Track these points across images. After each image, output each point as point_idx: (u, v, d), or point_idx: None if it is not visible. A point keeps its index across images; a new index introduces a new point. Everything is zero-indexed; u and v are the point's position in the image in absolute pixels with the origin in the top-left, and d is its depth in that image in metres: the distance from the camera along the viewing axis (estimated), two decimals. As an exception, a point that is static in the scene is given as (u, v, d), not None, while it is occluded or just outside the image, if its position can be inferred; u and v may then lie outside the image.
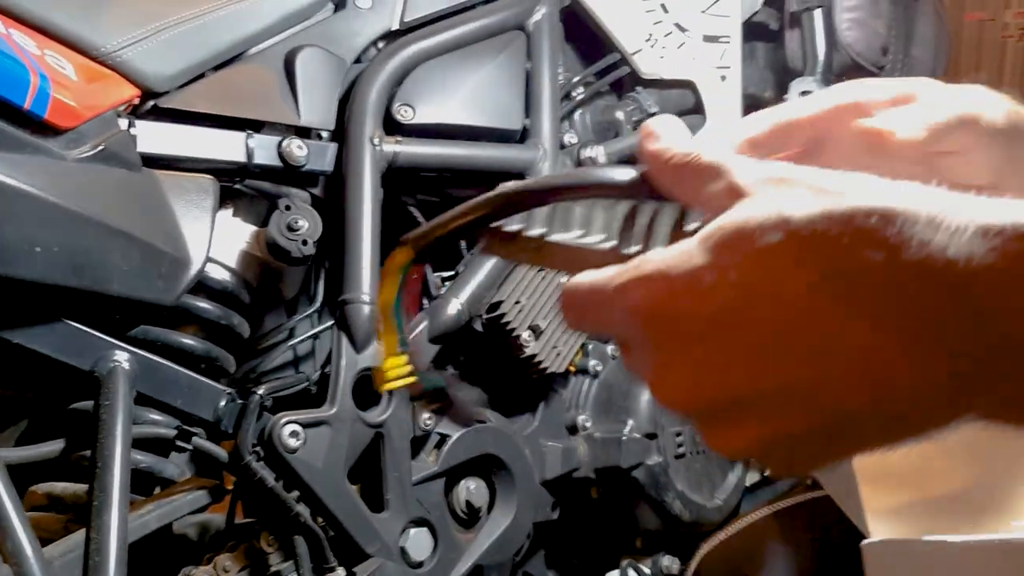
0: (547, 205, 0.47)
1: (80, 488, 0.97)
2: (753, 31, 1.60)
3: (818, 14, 1.51)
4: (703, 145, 0.44)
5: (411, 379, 0.98)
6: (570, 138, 1.37)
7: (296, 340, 1.20)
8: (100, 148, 0.90)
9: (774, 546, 0.88)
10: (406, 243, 0.50)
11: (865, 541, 0.71)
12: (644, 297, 0.39)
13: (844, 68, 1.53)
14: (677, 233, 0.47)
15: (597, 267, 0.44)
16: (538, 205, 0.47)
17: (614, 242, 0.47)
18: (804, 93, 1.47)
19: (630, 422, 1.35)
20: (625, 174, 0.46)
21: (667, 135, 0.45)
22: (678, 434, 1.40)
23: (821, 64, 1.49)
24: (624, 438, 1.33)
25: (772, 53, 1.62)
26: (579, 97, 1.40)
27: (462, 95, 1.26)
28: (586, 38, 1.44)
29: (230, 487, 1.07)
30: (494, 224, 0.48)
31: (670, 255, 0.40)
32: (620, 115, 1.41)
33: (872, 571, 0.71)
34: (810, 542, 0.85)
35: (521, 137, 1.31)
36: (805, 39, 1.52)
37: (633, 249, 0.46)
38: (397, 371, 0.74)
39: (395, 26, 1.25)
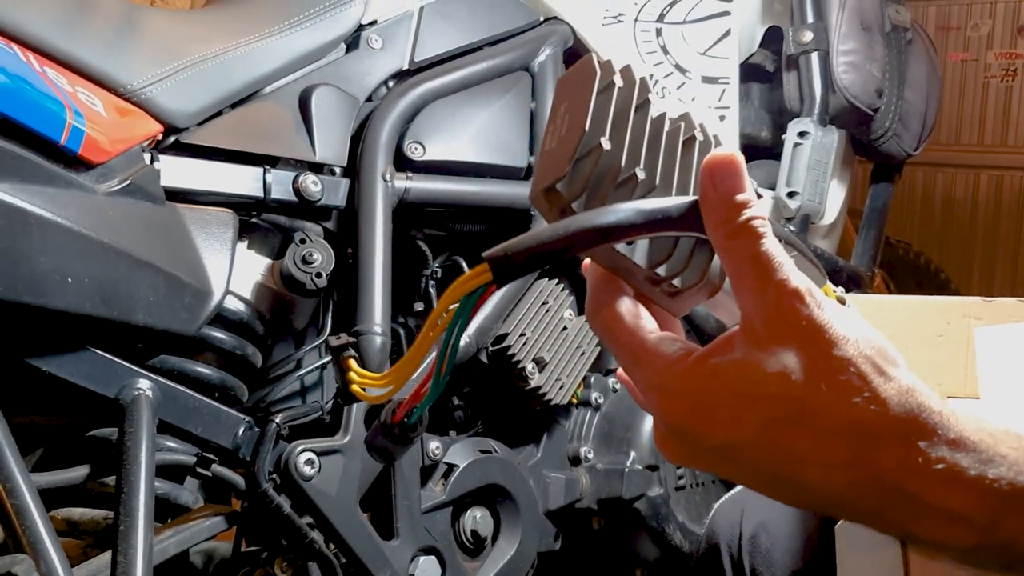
0: (619, 242, 0.49)
1: (98, 514, 0.99)
2: (750, 72, 1.64)
3: (815, 57, 1.56)
4: (761, 226, 0.47)
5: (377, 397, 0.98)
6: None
7: (305, 370, 1.23)
8: (127, 182, 0.93)
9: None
10: (487, 261, 0.48)
11: (840, 523, 0.74)
12: (666, 412, 0.50)
13: (840, 110, 1.57)
14: (703, 275, 0.51)
15: (631, 277, 0.52)
16: (615, 241, 0.48)
17: (652, 262, 0.51)
18: (802, 134, 1.51)
19: (632, 454, 1.37)
20: (681, 207, 0.48)
21: (729, 184, 0.48)
22: (679, 466, 1.43)
23: (818, 106, 1.53)
24: (626, 470, 1.36)
25: (769, 94, 1.66)
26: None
27: (470, 133, 1.29)
28: (589, 79, 1.48)
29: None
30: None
31: (698, 382, 0.48)
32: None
33: (842, 552, 0.73)
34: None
35: (526, 174, 1.34)
36: (802, 81, 1.57)
37: (663, 273, 0.51)
38: (373, 382, 0.75)
39: (405, 66, 1.29)
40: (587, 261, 0.54)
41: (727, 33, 1.52)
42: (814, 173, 1.49)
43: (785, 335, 0.45)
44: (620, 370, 0.56)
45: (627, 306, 0.52)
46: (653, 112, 0.53)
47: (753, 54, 1.63)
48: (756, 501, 0.93)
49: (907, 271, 2.40)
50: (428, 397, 0.63)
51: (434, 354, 0.56)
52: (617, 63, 0.52)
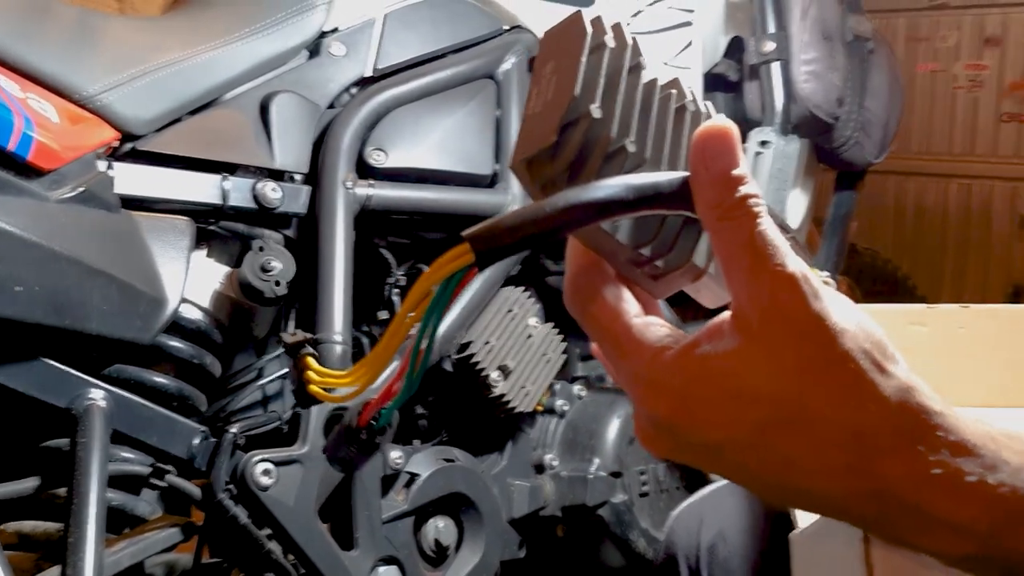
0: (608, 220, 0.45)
1: (51, 526, 0.97)
2: (713, 82, 1.65)
3: (776, 67, 1.57)
4: (758, 211, 0.43)
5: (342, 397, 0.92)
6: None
7: (266, 380, 1.22)
8: (81, 190, 0.92)
9: (741, 506, 0.90)
10: (468, 242, 0.44)
11: (794, 532, 0.73)
12: (651, 406, 0.47)
13: (801, 119, 1.58)
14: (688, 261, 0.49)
15: (612, 257, 0.48)
16: (604, 220, 0.44)
17: (635, 242, 0.48)
18: (763, 143, 1.52)
19: (596, 461, 1.37)
20: (673, 183, 0.44)
21: (722, 160, 0.44)
22: (642, 473, 1.43)
23: (779, 115, 1.54)
24: (590, 477, 1.36)
25: (732, 103, 1.67)
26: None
27: (433, 141, 1.29)
28: (553, 87, 1.48)
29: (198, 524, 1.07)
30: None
31: (679, 375, 0.45)
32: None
33: (798, 563, 0.72)
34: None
35: (490, 182, 1.34)
36: (764, 91, 1.58)
37: (647, 254, 0.48)
38: (336, 381, 0.69)
39: (368, 73, 1.28)
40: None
41: (689, 44, 1.52)
42: (776, 181, 1.49)
43: (780, 326, 0.42)
44: (595, 346, 0.52)
45: (611, 289, 0.48)
46: (644, 77, 0.49)
47: (717, 63, 1.64)
48: (714, 511, 0.93)
49: (875, 279, 2.42)
50: (401, 395, 0.57)
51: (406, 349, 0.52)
52: (607, 20, 0.48)
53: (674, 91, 0.50)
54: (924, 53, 3.18)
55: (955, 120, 3.14)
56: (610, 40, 0.48)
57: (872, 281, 2.42)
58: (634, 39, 0.49)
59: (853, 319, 0.43)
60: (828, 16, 1.62)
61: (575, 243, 0.50)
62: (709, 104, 0.52)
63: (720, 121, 0.44)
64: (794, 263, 0.43)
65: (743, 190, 0.43)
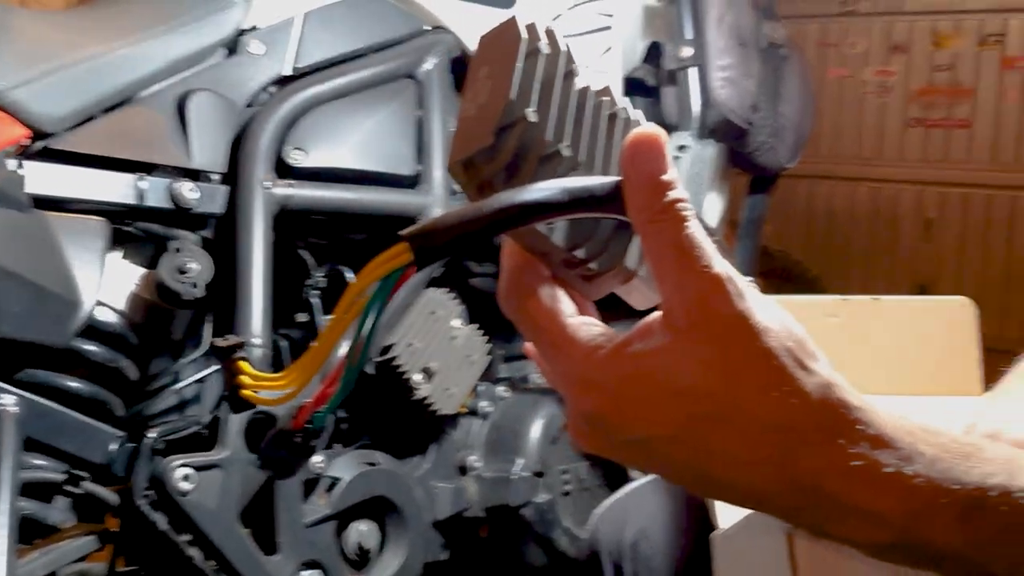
0: (544, 221, 0.46)
1: (-41, 537, 0.94)
2: (631, 86, 1.68)
3: (693, 72, 1.60)
4: (687, 220, 0.45)
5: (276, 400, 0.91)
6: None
7: (184, 383, 1.19)
8: (-11, 189, 0.89)
9: (663, 504, 0.92)
10: (407, 241, 0.44)
11: (715, 532, 0.74)
12: (586, 404, 0.48)
13: (717, 124, 1.62)
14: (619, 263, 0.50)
15: (546, 258, 0.49)
16: (538, 221, 0.45)
17: (570, 244, 0.49)
18: (681, 148, 1.55)
19: (519, 461, 1.38)
20: (606, 187, 0.46)
21: (652, 165, 0.45)
22: (565, 472, 1.44)
23: (695, 120, 1.58)
24: (513, 477, 1.36)
25: (650, 108, 1.70)
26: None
27: (354, 140, 1.28)
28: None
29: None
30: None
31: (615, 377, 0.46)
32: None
33: (721, 562, 0.73)
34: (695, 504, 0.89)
35: (413, 183, 1.34)
36: (681, 96, 1.61)
37: (581, 256, 0.49)
38: (271, 384, 0.69)
39: (287, 72, 1.27)
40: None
41: (609, 48, 1.54)
42: (692, 185, 1.53)
43: (706, 325, 0.44)
44: (529, 345, 0.52)
45: (546, 288, 0.49)
46: (578, 83, 0.50)
47: (636, 68, 1.66)
48: (637, 508, 0.94)
49: (786, 280, 2.48)
50: (337, 396, 0.58)
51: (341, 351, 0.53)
52: (541, 26, 0.49)
53: (607, 98, 0.52)
54: (834, 58, 3.26)
55: (864, 125, 3.22)
56: (544, 46, 0.48)
57: (783, 282, 2.48)
58: (568, 46, 0.50)
59: (776, 318, 0.45)
60: (743, 23, 1.66)
61: (511, 243, 0.51)
62: (640, 112, 0.53)
63: (650, 128, 0.46)
64: (720, 264, 0.44)
65: (672, 194, 0.45)
